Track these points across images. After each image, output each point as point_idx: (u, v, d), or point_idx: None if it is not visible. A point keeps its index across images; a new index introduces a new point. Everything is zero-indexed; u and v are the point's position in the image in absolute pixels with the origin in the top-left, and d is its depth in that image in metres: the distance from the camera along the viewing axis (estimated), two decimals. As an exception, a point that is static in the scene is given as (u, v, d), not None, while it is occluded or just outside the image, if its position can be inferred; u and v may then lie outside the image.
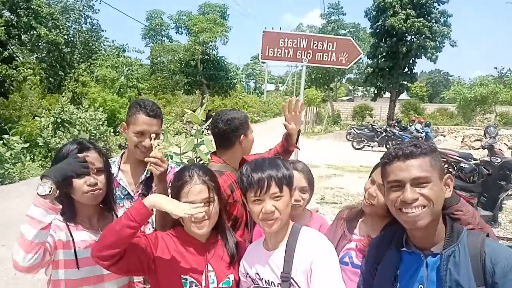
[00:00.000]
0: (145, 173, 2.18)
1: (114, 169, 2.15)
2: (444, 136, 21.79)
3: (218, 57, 31.45)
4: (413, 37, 25.60)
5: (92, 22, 28.01)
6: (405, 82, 27.56)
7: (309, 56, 5.47)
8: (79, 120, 12.38)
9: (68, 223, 1.74)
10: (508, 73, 34.91)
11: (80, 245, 1.73)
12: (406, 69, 26.95)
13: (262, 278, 1.66)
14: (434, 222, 1.36)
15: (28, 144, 11.39)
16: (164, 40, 35.89)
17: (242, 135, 2.28)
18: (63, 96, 13.42)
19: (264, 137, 6.29)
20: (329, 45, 5.44)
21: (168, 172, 2.25)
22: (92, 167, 1.73)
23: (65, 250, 1.70)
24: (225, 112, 2.32)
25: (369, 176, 1.88)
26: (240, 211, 2.20)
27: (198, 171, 1.70)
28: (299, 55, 5.48)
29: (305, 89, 6.70)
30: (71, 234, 1.72)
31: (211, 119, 2.39)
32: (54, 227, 1.65)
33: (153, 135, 2.04)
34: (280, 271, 1.58)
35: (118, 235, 1.47)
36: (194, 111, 4.14)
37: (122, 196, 2.17)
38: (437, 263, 1.35)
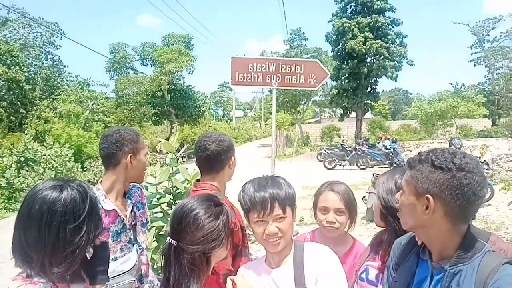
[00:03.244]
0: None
1: (109, 205, 2.05)
2: (411, 151, 22.42)
3: (185, 87, 31.37)
4: (372, 58, 26.73)
5: (53, 58, 27.56)
6: (369, 101, 28.57)
7: (279, 80, 5.55)
8: (44, 158, 11.93)
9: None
10: (462, 88, 36.78)
11: None
12: (369, 89, 28.00)
13: None
14: (441, 235, 1.28)
15: (-11, 186, 10.84)
16: (129, 72, 35.56)
17: (233, 157, 2.23)
18: (26, 134, 12.96)
19: (238, 162, 6.25)
20: (297, 68, 5.57)
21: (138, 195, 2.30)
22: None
23: None
24: (212, 134, 2.23)
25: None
26: (239, 238, 2.09)
27: None
28: (268, 79, 5.57)
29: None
30: None
31: (195, 144, 2.32)
32: None
33: None
34: None
35: None
36: (167, 139, 4.08)
37: (119, 231, 2.09)
38: (440, 278, 1.29)
